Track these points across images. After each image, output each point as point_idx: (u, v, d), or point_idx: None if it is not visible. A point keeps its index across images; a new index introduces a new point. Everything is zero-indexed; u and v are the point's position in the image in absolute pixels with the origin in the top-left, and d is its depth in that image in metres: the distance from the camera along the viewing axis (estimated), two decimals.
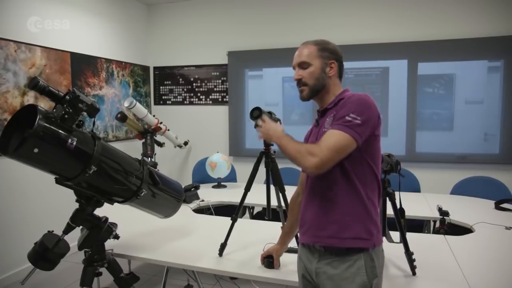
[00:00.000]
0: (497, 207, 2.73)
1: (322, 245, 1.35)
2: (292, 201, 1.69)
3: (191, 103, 4.94)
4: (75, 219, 1.61)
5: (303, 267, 1.45)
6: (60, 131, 1.38)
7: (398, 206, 1.65)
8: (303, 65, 1.41)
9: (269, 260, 1.76)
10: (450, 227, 2.42)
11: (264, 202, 2.14)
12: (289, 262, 1.76)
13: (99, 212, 1.70)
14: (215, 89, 4.83)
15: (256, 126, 1.48)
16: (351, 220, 1.32)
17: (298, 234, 1.51)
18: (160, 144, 4.08)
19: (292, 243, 1.93)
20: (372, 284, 1.30)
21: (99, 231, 1.69)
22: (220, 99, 4.81)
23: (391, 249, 1.60)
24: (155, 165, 1.98)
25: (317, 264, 1.37)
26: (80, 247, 1.70)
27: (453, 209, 2.54)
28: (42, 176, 1.69)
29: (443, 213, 2.48)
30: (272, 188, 2.07)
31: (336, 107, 1.37)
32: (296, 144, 1.32)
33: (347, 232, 1.31)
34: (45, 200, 3.45)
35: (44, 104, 3.16)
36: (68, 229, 1.59)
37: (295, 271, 1.54)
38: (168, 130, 4.13)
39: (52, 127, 1.35)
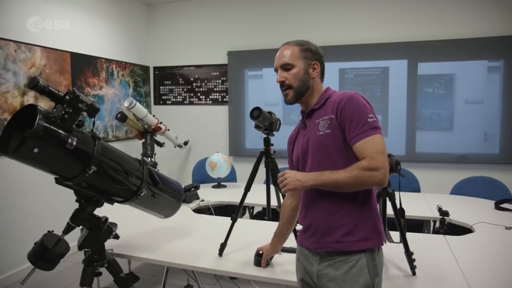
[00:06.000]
0: (497, 207, 2.73)
1: (327, 250, 1.33)
2: (283, 205, 1.63)
3: (191, 103, 4.94)
4: (75, 219, 1.61)
5: (303, 269, 1.43)
6: (60, 131, 1.38)
7: (398, 206, 1.66)
8: (286, 67, 1.37)
9: (258, 258, 1.76)
10: (450, 227, 2.42)
11: (264, 202, 2.14)
12: (289, 262, 1.75)
13: (99, 212, 1.70)
14: (215, 89, 4.82)
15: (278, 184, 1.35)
16: (358, 223, 1.29)
17: (298, 234, 1.50)
18: (160, 144, 4.08)
19: (293, 243, 1.93)
20: (375, 283, 1.29)
21: (99, 231, 1.69)
22: (220, 99, 4.81)
23: (391, 249, 1.59)
24: (155, 165, 1.98)
25: (319, 266, 1.35)
26: (80, 247, 1.70)
27: (453, 209, 2.53)
28: (42, 176, 1.69)
29: (443, 213, 2.48)
30: (272, 188, 2.07)
31: (324, 107, 1.35)
32: (343, 173, 1.23)
33: (355, 236, 1.29)
34: (45, 200, 3.45)
35: (44, 104, 3.16)
36: (68, 229, 1.59)
37: (294, 271, 1.53)
38: (168, 130, 4.13)
39: (52, 127, 1.35)
